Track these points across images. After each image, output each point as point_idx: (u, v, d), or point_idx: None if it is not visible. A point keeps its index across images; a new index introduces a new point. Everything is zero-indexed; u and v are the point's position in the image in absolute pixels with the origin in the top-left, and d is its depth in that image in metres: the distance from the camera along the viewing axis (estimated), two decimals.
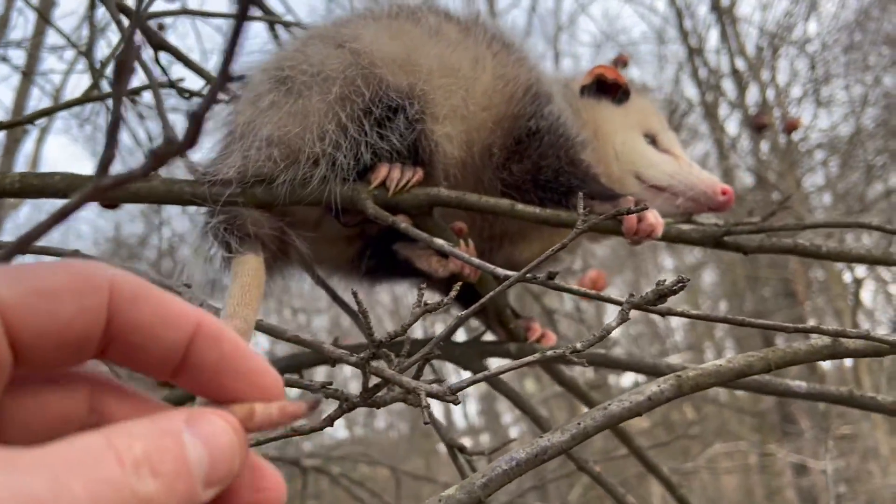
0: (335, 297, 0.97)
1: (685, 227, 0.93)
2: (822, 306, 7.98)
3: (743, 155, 7.46)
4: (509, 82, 0.99)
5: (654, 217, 0.89)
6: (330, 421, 0.66)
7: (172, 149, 0.33)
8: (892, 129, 7.60)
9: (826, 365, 8.48)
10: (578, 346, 0.61)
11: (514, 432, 9.11)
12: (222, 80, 0.29)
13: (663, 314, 0.76)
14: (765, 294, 8.23)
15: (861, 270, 7.57)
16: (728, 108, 7.56)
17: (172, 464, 0.29)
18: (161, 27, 3.50)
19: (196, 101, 1.16)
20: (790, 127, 3.19)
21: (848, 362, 7.42)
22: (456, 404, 0.65)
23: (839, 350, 0.79)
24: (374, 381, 0.66)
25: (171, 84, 1.15)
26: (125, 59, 0.34)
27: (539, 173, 0.95)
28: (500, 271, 0.77)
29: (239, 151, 0.86)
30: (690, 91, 7.72)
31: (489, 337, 1.09)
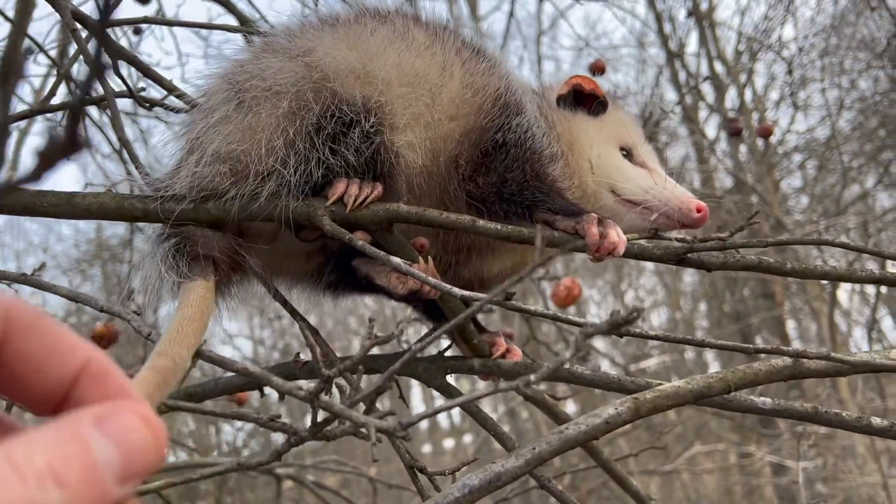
0: (294, 313, 0.95)
1: (647, 243, 0.92)
2: (800, 307, 8.07)
3: (722, 157, 7.52)
4: (478, 91, 0.97)
5: (616, 234, 0.88)
6: (277, 455, 0.64)
7: (57, 149, 0.31)
8: (867, 132, 7.71)
9: None
10: (532, 378, 0.60)
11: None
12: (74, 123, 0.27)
13: (621, 335, 0.75)
14: (744, 294, 8.31)
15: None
16: (707, 112, 7.62)
17: (79, 471, 0.28)
18: (138, 31, 3.43)
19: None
20: (764, 132, 3.21)
21: None
22: (407, 440, 0.63)
23: (800, 370, 0.78)
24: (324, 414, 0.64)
25: (131, 94, 1.12)
26: (11, 60, 0.32)
27: (504, 186, 0.94)
28: (457, 291, 0.76)
29: (189, 167, 0.84)
30: (670, 95, 7.78)
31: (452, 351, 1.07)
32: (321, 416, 0.64)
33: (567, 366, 1.02)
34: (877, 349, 0.81)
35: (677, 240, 1.01)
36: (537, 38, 7.55)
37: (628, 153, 1.07)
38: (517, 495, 1.69)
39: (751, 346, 0.75)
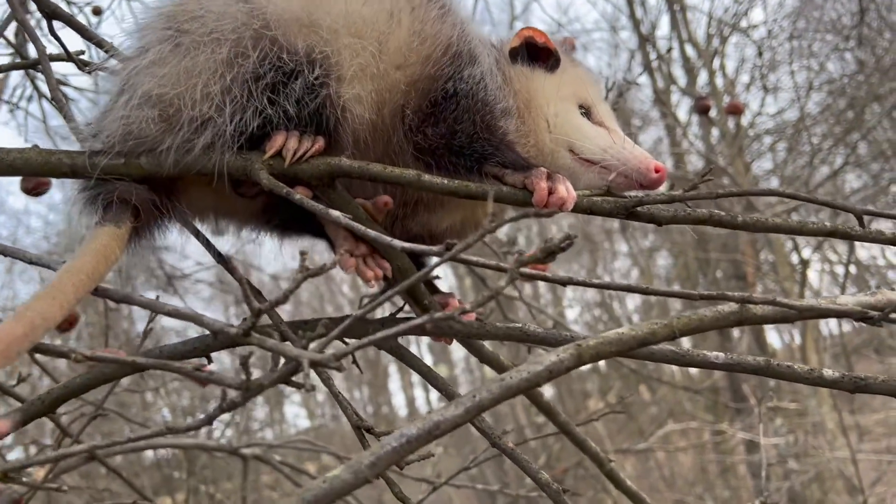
0: (222, 261, 0.92)
1: (597, 198, 0.91)
2: (772, 287, 8.19)
3: (694, 140, 7.58)
4: (427, 40, 0.93)
5: (564, 189, 0.87)
6: (209, 420, 0.61)
7: None
8: (836, 114, 7.81)
9: (777, 344, 8.76)
10: (467, 306, 0.59)
11: None
12: None
13: (564, 284, 0.74)
14: (717, 276, 8.42)
15: (807, 252, 7.81)
16: (679, 95, 7.67)
17: None
18: (98, 11, 3.34)
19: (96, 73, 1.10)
20: (733, 109, 3.23)
21: (797, 341, 7.67)
22: (341, 371, 0.62)
23: (746, 316, 0.78)
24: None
25: (69, 56, 1.08)
26: None
27: (453, 138, 0.91)
28: (398, 243, 0.74)
29: (118, 109, 0.81)
30: (642, 78, 7.81)
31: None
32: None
33: (522, 325, 1.01)
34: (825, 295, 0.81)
35: (631, 197, 1.00)
36: (510, 22, 7.52)
37: (587, 111, 1.04)
38: (486, 460, 1.67)
39: (695, 292, 0.75)
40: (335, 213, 0.77)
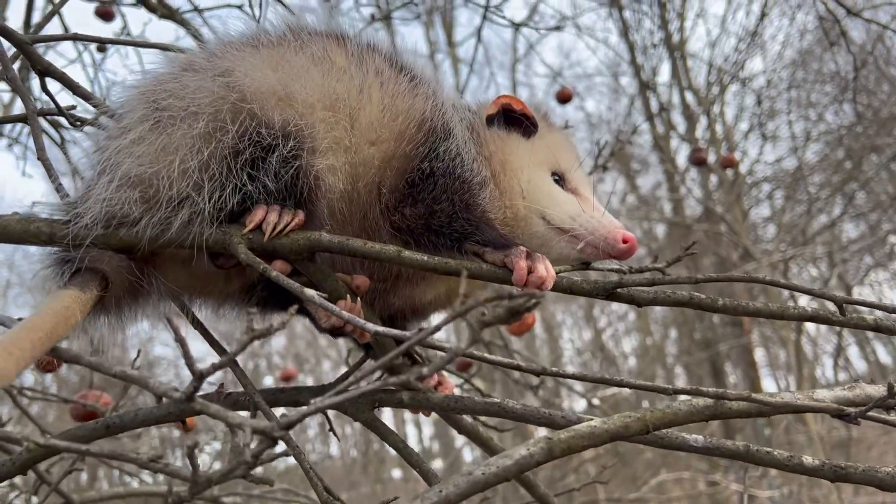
0: (207, 336, 0.91)
1: (577, 278, 0.91)
2: (769, 335, 8.16)
3: (691, 186, 7.63)
4: (399, 115, 0.94)
5: (544, 269, 0.86)
6: None
7: None
8: (834, 164, 7.88)
9: (772, 388, 8.68)
10: (424, 371, 0.58)
11: (468, 455, 9.06)
12: None
13: (519, 369, 0.73)
14: (714, 321, 8.39)
15: (804, 300, 7.79)
16: (678, 141, 7.74)
17: None
18: (101, 49, 3.37)
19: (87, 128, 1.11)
20: (727, 163, 3.25)
21: (793, 386, 7.60)
22: (286, 441, 0.60)
23: (721, 411, 0.77)
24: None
25: (60, 111, 1.09)
26: None
27: (432, 218, 0.91)
28: (371, 326, 0.74)
29: (98, 191, 0.81)
30: (643, 124, 7.90)
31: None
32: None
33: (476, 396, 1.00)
34: (797, 392, 0.80)
35: (612, 270, 1.00)
36: (512, 65, 7.64)
37: (560, 178, 1.04)
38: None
39: (670, 387, 0.74)
40: (310, 292, 0.76)
